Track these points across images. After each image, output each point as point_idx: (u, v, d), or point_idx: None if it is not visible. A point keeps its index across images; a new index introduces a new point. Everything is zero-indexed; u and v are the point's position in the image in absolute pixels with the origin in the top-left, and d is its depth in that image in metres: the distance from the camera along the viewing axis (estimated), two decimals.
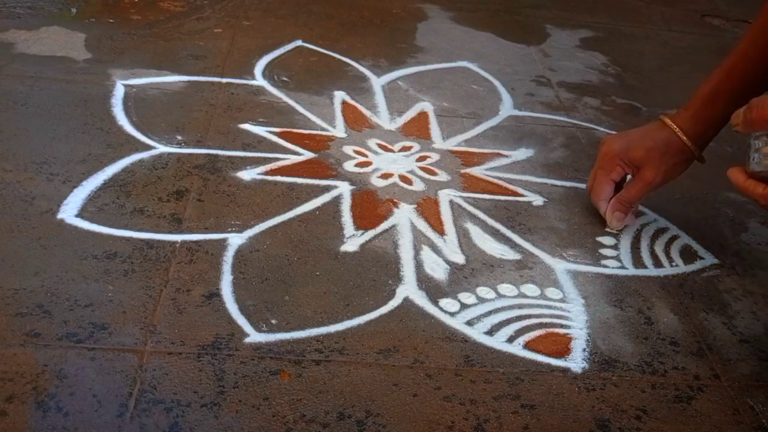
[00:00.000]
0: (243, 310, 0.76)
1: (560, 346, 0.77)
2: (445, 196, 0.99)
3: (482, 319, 0.79)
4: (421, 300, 0.81)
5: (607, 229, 0.95)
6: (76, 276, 0.77)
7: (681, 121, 0.89)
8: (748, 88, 0.86)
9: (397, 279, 0.83)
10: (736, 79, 0.87)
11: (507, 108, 1.24)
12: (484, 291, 0.83)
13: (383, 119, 1.15)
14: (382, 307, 0.79)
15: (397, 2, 1.60)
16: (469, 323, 0.79)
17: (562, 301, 0.83)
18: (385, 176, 1.01)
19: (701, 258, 0.94)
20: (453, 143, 1.11)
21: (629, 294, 0.86)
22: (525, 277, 0.86)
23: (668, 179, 0.92)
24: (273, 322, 0.75)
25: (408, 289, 0.82)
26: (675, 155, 0.90)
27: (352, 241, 0.88)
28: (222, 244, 0.85)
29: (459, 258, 0.88)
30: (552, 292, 0.84)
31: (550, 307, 0.82)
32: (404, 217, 0.93)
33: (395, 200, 0.96)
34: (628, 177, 0.95)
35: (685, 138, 0.89)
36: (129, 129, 1.03)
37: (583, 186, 1.04)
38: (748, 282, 0.91)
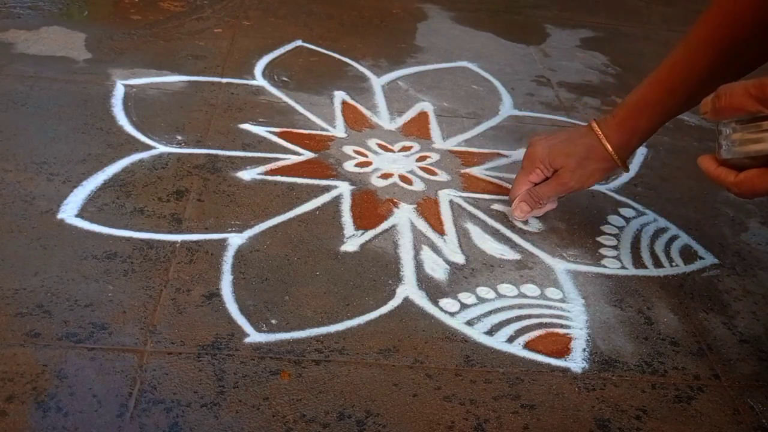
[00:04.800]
0: (243, 310, 0.76)
1: (560, 346, 0.77)
2: (445, 196, 0.99)
3: (482, 319, 0.79)
4: (421, 300, 0.81)
5: (511, 219, 0.95)
6: (76, 276, 0.77)
7: (607, 128, 0.88)
8: (674, 101, 0.85)
9: (397, 279, 0.83)
10: (663, 92, 0.85)
11: (507, 108, 1.24)
12: (484, 291, 0.83)
13: (383, 119, 1.15)
14: (382, 307, 0.79)
15: (397, 2, 1.60)
16: (469, 323, 0.79)
17: (562, 301, 0.83)
18: (385, 176, 1.01)
19: (701, 258, 0.94)
20: (453, 143, 1.11)
21: (629, 294, 0.86)
22: (525, 277, 0.86)
23: (585, 184, 0.91)
24: (273, 322, 0.75)
25: (408, 289, 0.82)
26: (596, 161, 0.89)
27: (352, 241, 0.88)
28: (222, 244, 0.85)
29: (459, 258, 0.88)
30: (552, 292, 0.85)
31: (550, 307, 0.82)
32: (404, 217, 0.93)
33: (395, 200, 0.96)
34: None
35: (608, 146, 0.88)
36: (129, 129, 1.03)
37: None
38: (748, 282, 0.91)
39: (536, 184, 0.94)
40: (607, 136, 0.88)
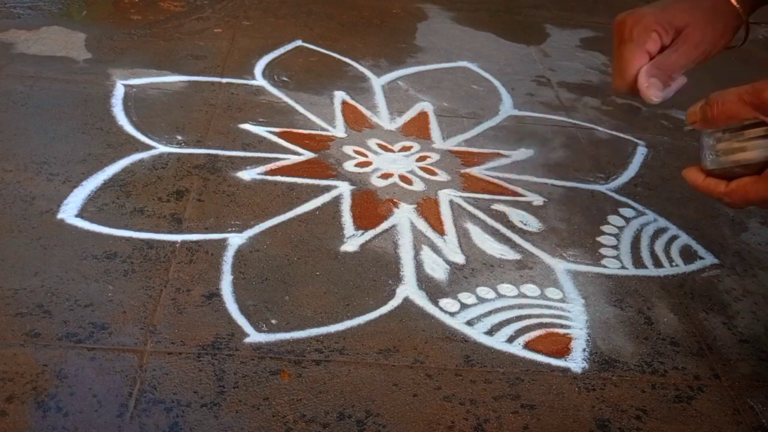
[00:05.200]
0: (243, 310, 0.76)
1: (560, 346, 0.77)
2: (445, 196, 0.99)
3: (482, 319, 0.79)
4: (421, 300, 0.81)
5: (645, 106, 0.81)
6: (76, 276, 0.77)
7: None
8: None
9: (397, 279, 0.83)
10: None
11: (507, 108, 1.24)
12: (484, 291, 0.83)
13: (383, 119, 1.15)
14: (382, 307, 0.79)
15: (397, 2, 1.60)
16: (469, 323, 0.79)
17: (562, 301, 0.83)
18: (385, 176, 1.01)
19: (701, 258, 0.94)
20: (453, 143, 1.11)
21: (629, 294, 0.86)
22: (525, 277, 0.86)
23: (717, 46, 0.75)
24: (273, 322, 0.75)
25: (408, 289, 0.82)
26: (722, 18, 0.75)
27: (352, 241, 0.88)
28: (222, 244, 0.85)
29: (459, 258, 0.88)
30: (552, 292, 0.84)
31: (550, 307, 0.82)
32: (404, 217, 0.93)
33: (395, 200, 0.96)
34: None
35: (736, 2, 0.73)
36: (129, 129, 1.03)
37: (583, 186, 1.04)
38: (748, 282, 0.91)
39: (652, 59, 0.75)
40: None
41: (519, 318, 0.80)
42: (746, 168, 0.65)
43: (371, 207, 0.95)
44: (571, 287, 0.86)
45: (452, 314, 0.79)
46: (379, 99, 1.21)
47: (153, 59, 1.22)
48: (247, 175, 0.97)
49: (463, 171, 1.05)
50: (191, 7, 1.45)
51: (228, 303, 0.77)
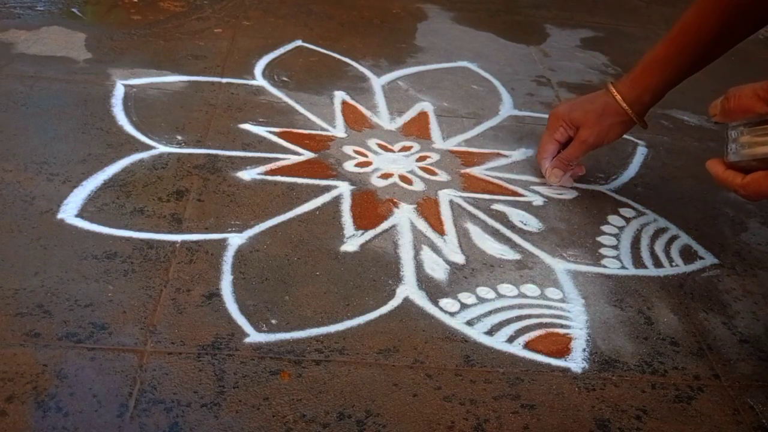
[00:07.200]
0: (243, 310, 0.76)
1: (560, 346, 0.77)
2: (445, 196, 0.99)
3: (482, 319, 0.79)
4: (421, 300, 0.81)
5: (548, 184, 1.03)
6: (76, 276, 0.77)
7: (621, 86, 0.96)
8: (685, 59, 0.93)
9: (397, 279, 0.83)
10: (674, 50, 0.93)
11: (507, 108, 1.24)
12: (484, 291, 0.83)
13: (383, 119, 1.15)
14: (382, 307, 0.79)
15: (397, 2, 1.60)
16: (469, 323, 0.79)
17: (562, 301, 0.83)
18: (385, 176, 1.01)
19: (701, 258, 0.94)
20: (453, 143, 1.11)
21: (629, 294, 0.86)
22: (525, 277, 0.86)
23: (604, 139, 0.98)
24: (273, 322, 0.75)
25: (408, 289, 0.82)
26: (612, 117, 0.96)
27: (352, 241, 0.88)
28: (222, 244, 0.85)
29: (459, 258, 0.88)
30: (552, 292, 0.85)
31: (550, 307, 0.82)
32: (404, 217, 0.93)
33: (395, 200, 0.96)
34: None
35: (622, 102, 0.95)
36: (129, 129, 1.03)
37: (582, 186, 1.04)
38: (748, 282, 0.91)
39: (561, 145, 1.01)
40: (620, 92, 0.96)
41: (519, 318, 0.80)
42: (762, 162, 0.67)
43: (371, 207, 0.95)
44: (571, 287, 0.86)
45: (452, 314, 0.80)
46: (379, 99, 1.21)
47: (153, 59, 1.22)
48: (247, 175, 0.97)
49: (463, 171, 1.05)
50: (191, 7, 1.45)
51: (228, 303, 0.77)
